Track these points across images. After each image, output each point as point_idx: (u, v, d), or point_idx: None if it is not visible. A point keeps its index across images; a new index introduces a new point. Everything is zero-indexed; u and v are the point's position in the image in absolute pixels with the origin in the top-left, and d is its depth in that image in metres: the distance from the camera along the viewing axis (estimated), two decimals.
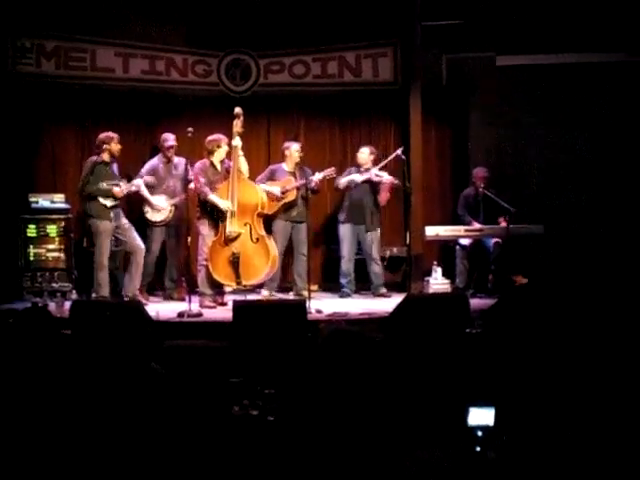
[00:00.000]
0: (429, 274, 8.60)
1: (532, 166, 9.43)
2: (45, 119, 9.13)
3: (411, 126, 9.06)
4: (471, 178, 8.97)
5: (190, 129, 7.58)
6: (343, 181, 8.72)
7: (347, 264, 8.67)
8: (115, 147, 7.84)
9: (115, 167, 8.07)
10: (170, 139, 8.37)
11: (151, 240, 8.24)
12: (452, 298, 6.88)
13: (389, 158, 8.79)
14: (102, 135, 7.87)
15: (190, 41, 9.16)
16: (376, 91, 9.47)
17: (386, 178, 8.63)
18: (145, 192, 8.14)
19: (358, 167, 8.80)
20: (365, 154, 8.76)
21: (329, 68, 9.33)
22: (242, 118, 7.76)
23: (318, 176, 8.22)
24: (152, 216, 8.27)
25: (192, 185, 7.95)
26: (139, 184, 8.07)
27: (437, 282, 8.46)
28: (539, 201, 9.20)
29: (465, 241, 8.64)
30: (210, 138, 7.91)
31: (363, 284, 8.83)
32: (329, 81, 9.38)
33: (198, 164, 7.90)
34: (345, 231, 8.72)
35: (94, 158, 7.82)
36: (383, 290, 8.64)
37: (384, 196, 8.74)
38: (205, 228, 7.85)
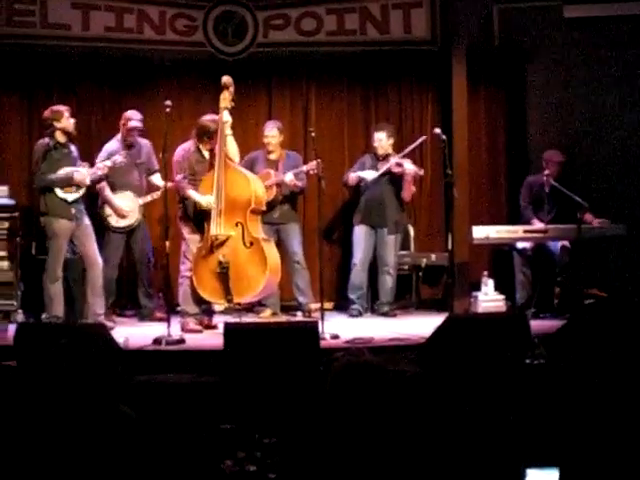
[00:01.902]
0: (477, 288, 8.60)
1: (609, 148, 9.36)
2: None
3: (453, 97, 9.05)
4: (540, 163, 8.77)
5: (168, 102, 7.58)
6: (352, 177, 8.73)
7: (359, 275, 8.73)
8: (67, 123, 7.79)
9: (74, 149, 8.01)
10: (134, 118, 8.33)
11: (110, 249, 8.23)
12: (507, 319, 6.88)
13: (413, 145, 8.77)
14: (47, 112, 7.82)
15: None
16: (408, 52, 9.48)
17: (408, 168, 8.59)
18: (108, 191, 8.13)
19: (376, 156, 8.79)
20: (383, 139, 8.75)
21: (347, 22, 9.34)
22: (232, 89, 7.71)
23: (290, 176, 8.29)
24: (117, 222, 8.29)
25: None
26: (104, 166, 7.95)
27: (488, 298, 8.46)
28: (619, 192, 9.14)
29: (524, 245, 8.61)
30: (207, 118, 7.86)
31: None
32: (347, 39, 9.39)
33: (179, 149, 7.88)
34: (359, 235, 8.77)
35: (45, 140, 7.79)
36: (386, 309, 8.73)
37: (408, 190, 8.70)
38: (188, 230, 7.86)
